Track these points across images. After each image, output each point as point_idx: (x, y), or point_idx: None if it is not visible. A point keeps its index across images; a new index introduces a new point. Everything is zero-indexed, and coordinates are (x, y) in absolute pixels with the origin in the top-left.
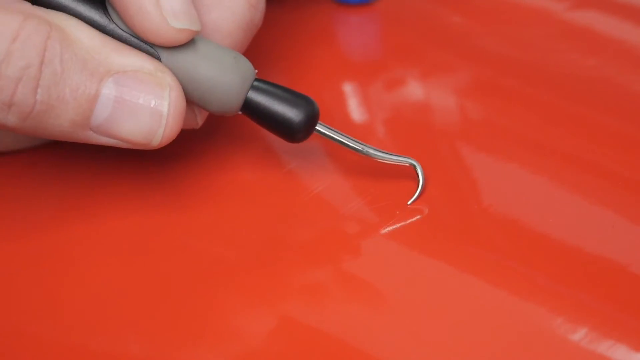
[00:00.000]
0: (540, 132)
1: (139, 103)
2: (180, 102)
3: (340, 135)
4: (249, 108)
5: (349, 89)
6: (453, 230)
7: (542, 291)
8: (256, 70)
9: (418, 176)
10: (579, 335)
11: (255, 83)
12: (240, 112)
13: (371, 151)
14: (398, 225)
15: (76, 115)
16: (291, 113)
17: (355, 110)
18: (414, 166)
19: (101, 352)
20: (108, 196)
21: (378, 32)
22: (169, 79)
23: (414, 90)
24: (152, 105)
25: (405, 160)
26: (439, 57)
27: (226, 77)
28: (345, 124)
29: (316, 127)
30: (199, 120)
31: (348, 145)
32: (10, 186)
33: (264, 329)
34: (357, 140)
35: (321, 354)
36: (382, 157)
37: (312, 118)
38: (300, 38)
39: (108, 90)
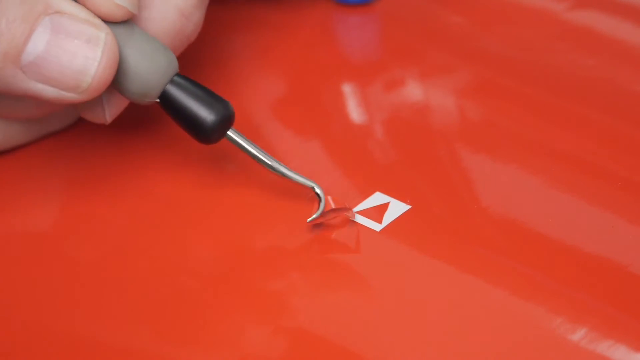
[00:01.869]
0: (539, 133)
1: (73, 42)
2: (114, 48)
3: (250, 146)
4: (166, 100)
5: (348, 89)
6: (452, 231)
7: (542, 291)
8: (177, 71)
9: (319, 199)
10: (579, 335)
11: (176, 78)
12: (157, 102)
13: (277, 166)
14: (398, 225)
15: (9, 48)
16: (205, 112)
17: (355, 110)
18: (314, 189)
19: (92, 340)
20: (100, 199)
21: (378, 32)
22: (104, 25)
23: (414, 90)
24: (86, 45)
25: (308, 183)
26: (438, 57)
27: (149, 63)
28: (344, 125)
29: (228, 133)
30: (107, 115)
31: (256, 157)
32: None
33: (262, 329)
34: (267, 154)
35: (318, 356)
36: (287, 174)
37: (225, 121)
38: (299, 38)
39: (43, 28)
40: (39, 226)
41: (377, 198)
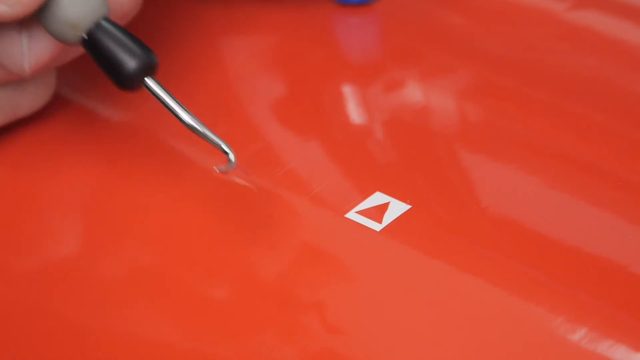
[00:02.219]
0: (539, 133)
1: None
2: None
3: (169, 98)
4: (91, 39)
5: (348, 90)
6: (452, 231)
7: (542, 291)
8: (108, 17)
9: (227, 157)
10: (579, 335)
11: (104, 22)
12: (82, 40)
13: (191, 122)
14: (398, 225)
15: None
16: (126, 57)
17: (355, 110)
18: (221, 147)
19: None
20: (100, 205)
21: (378, 32)
22: None
23: (414, 91)
24: None
25: (218, 142)
26: (438, 57)
27: (79, 3)
28: (344, 125)
29: (146, 80)
30: (26, 63)
31: (172, 109)
32: None
33: (264, 329)
34: (184, 108)
35: (317, 355)
36: (200, 131)
37: (145, 68)
38: (300, 38)
39: None
40: (58, 241)
41: (377, 198)
